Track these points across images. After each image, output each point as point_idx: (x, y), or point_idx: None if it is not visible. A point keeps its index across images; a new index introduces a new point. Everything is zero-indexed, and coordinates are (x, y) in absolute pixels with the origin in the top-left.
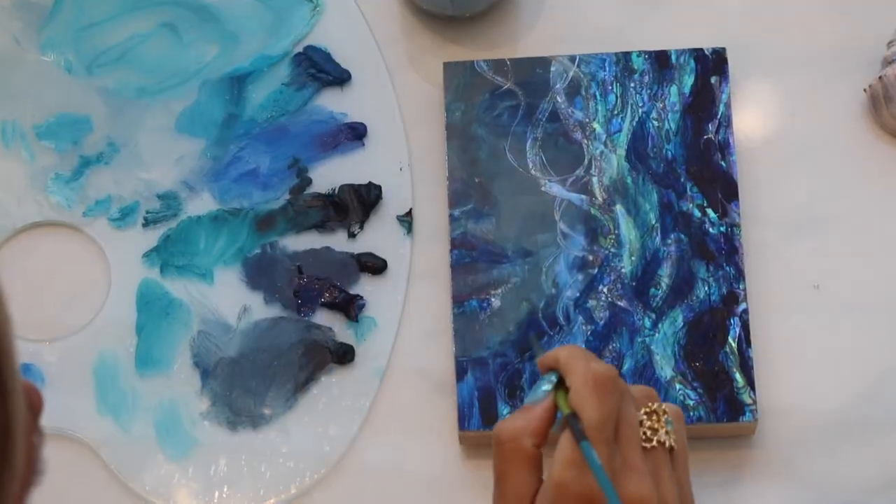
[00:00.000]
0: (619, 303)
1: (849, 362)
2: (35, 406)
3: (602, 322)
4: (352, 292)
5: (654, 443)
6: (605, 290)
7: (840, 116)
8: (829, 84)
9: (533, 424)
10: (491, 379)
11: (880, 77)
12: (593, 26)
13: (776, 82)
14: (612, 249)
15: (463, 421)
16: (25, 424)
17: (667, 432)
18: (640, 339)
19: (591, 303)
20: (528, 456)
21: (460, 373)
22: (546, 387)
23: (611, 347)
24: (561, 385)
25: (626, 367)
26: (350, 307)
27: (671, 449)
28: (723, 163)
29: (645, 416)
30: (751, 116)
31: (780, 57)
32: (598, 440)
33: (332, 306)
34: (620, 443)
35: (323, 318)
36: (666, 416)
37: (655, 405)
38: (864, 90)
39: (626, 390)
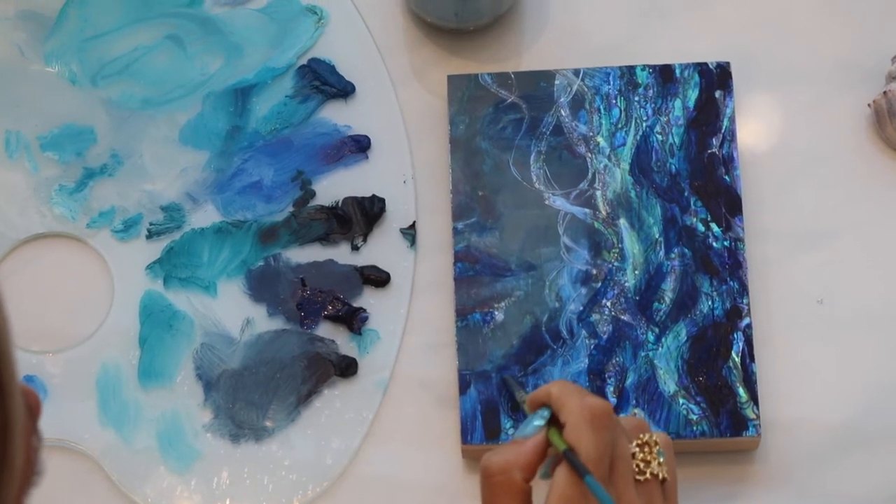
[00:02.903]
0: (622, 317)
1: (852, 377)
2: (33, 408)
3: (605, 336)
4: (355, 305)
5: (648, 475)
6: (608, 304)
7: (844, 131)
8: (833, 98)
9: (523, 458)
10: (494, 392)
11: (884, 92)
12: (597, 40)
13: (780, 97)
14: (616, 263)
15: (466, 434)
16: (24, 426)
17: (659, 464)
18: (643, 354)
19: (595, 317)
20: (518, 490)
21: (463, 386)
22: (538, 422)
23: (614, 361)
24: (553, 422)
25: (629, 381)
26: (353, 320)
27: (663, 480)
28: (727, 177)
29: (637, 449)
30: (755, 131)
31: (783, 71)
32: (595, 476)
33: (335, 319)
34: (615, 478)
35: (326, 330)
36: (658, 447)
37: (647, 436)
38: (868, 105)
39: (619, 424)
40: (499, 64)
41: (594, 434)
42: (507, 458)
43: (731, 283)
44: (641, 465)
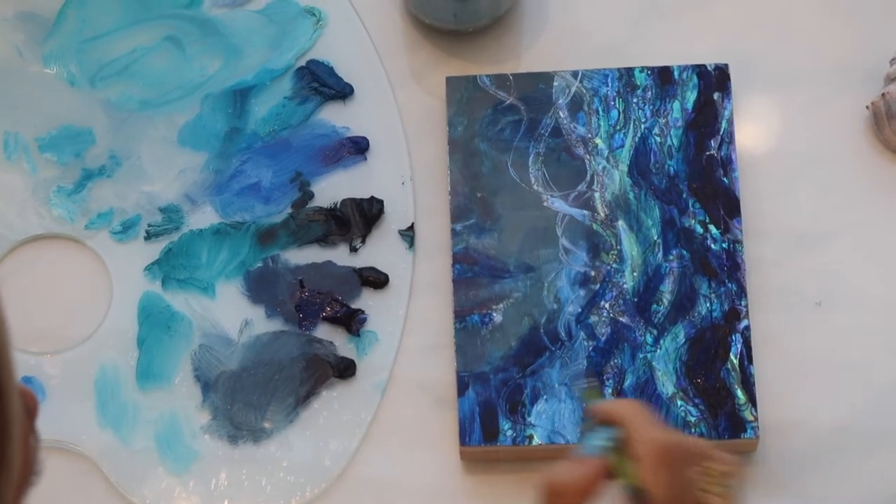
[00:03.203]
0: (620, 318)
1: (850, 379)
2: (31, 409)
3: (604, 338)
4: (353, 306)
5: None
6: (606, 305)
7: (842, 133)
8: (831, 100)
9: (583, 482)
10: (492, 394)
11: (883, 94)
12: (596, 42)
13: (778, 99)
14: (614, 265)
15: (464, 436)
16: (22, 427)
17: (717, 494)
18: (641, 356)
19: (593, 318)
20: None
21: (461, 388)
22: (603, 443)
23: (612, 363)
24: (619, 444)
25: (627, 382)
26: (351, 321)
27: None
28: (725, 179)
29: (704, 479)
30: (753, 133)
31: (782, 73)
32: None
33: (333, 320)
34: None
35: (324, 332)
36: (724, 478)
37: (717, 467)
38: (867, 107)
39: (687, 455)
40: (497, 66)
41: (668, 476)
42: (564, 480)
43: (730, 284)
44: (699, 493)
